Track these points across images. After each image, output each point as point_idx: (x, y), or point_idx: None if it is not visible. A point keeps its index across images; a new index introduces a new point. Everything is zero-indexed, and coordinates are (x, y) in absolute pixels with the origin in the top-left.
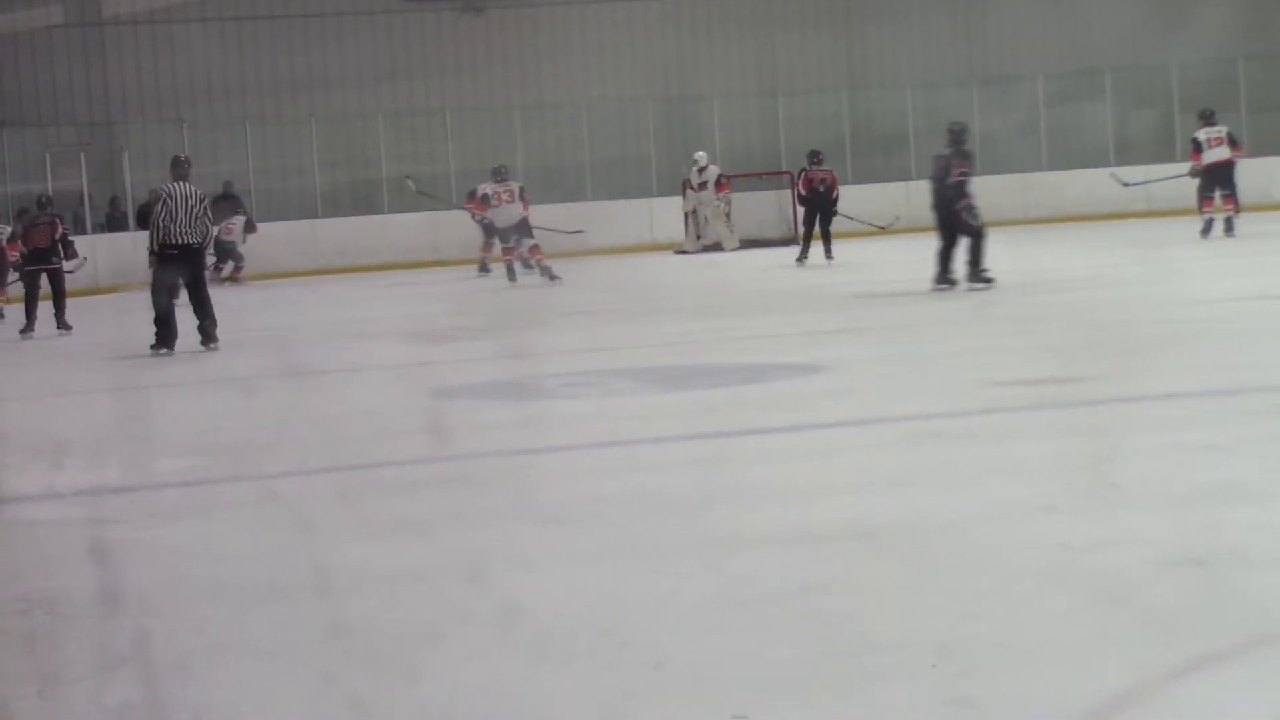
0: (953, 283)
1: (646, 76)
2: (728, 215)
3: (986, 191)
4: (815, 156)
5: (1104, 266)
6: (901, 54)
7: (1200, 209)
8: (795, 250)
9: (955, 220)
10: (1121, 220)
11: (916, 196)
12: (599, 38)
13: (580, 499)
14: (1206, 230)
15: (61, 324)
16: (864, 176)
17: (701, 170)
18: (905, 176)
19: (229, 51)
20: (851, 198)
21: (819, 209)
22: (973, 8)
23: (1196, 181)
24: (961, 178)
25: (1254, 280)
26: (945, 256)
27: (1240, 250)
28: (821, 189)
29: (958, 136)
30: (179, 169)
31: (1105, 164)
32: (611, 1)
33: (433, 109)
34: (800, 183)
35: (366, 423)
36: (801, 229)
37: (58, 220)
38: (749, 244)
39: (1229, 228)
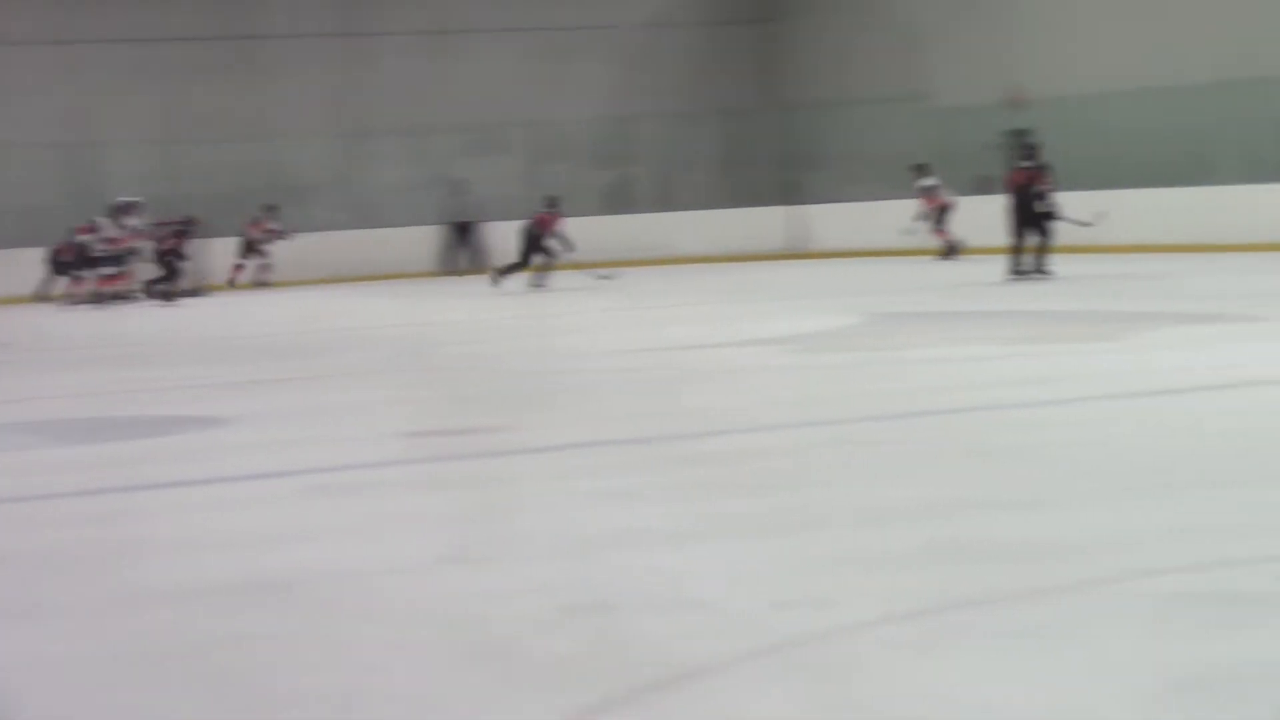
0: (1025, 273)
1: (45, 122)
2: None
3: (404, 242)
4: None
5: (519, 316)
6: (311, 105)
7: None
8: (198, 300)
9: (1034, 219)
10: (534, 272)
11: (338, 247)
12: None
13: None
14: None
15: None
16: None
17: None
18: (316, 227)
19: None
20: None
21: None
22: (383, 61)
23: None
24: (1045, 187)
25: (653, 332)
26: (1017, 250)
27: (638, 304)
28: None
29: (1032, 151)
30: None
31: (518, 216)
32: (10, 46)
33: None
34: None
35: None
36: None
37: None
38: (155, 294)
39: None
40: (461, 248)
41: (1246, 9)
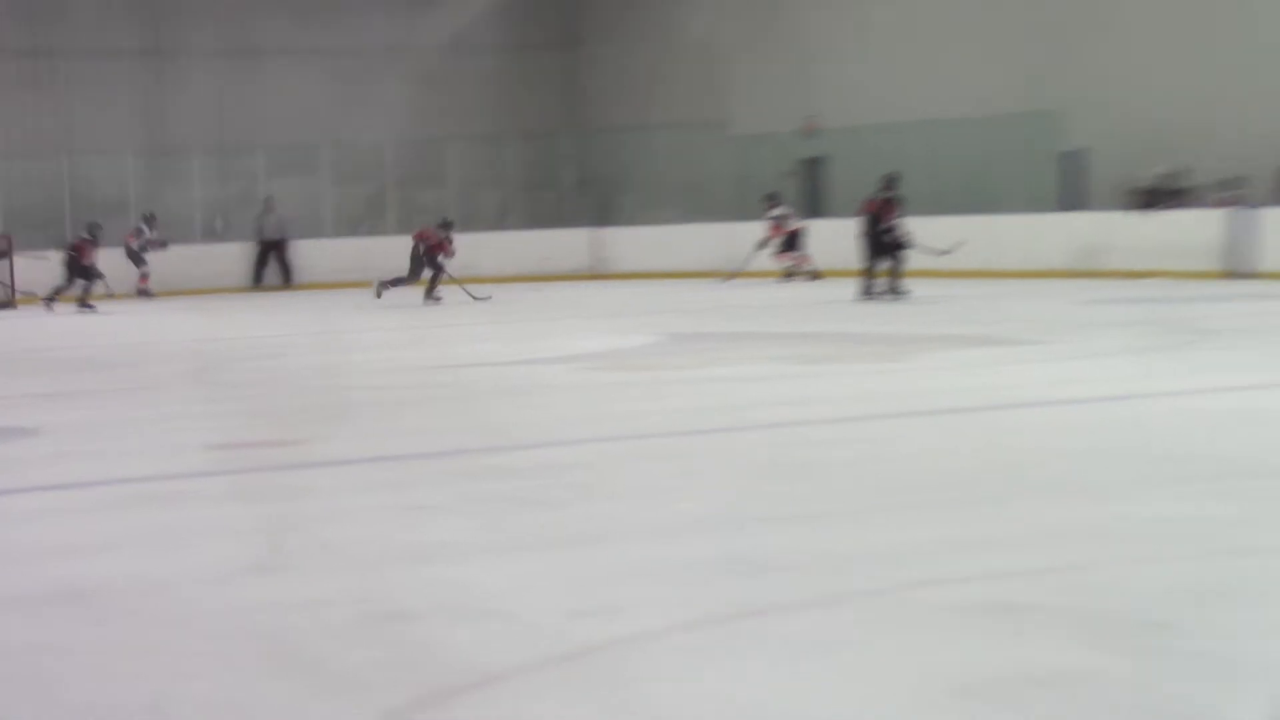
0: (876, 295)
1: None
2: None
3: (212, 259)
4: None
5: (325, 332)
6: (120, 122)
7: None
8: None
9: (884, 247)
10: (342, 289)
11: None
12: None
13: None
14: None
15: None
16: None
17: None
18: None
19: None
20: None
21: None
22: (188, 80)
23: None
24: (893, 217)
25: (456, 349)
26: (869, 274)
27: (442, 321)
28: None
29: (891, 183)
30: None
31: (323, 234)
32: None
33: None
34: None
35: None
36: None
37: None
38: (84, 304)
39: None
40: (270, 265)
41: (1028, 46)
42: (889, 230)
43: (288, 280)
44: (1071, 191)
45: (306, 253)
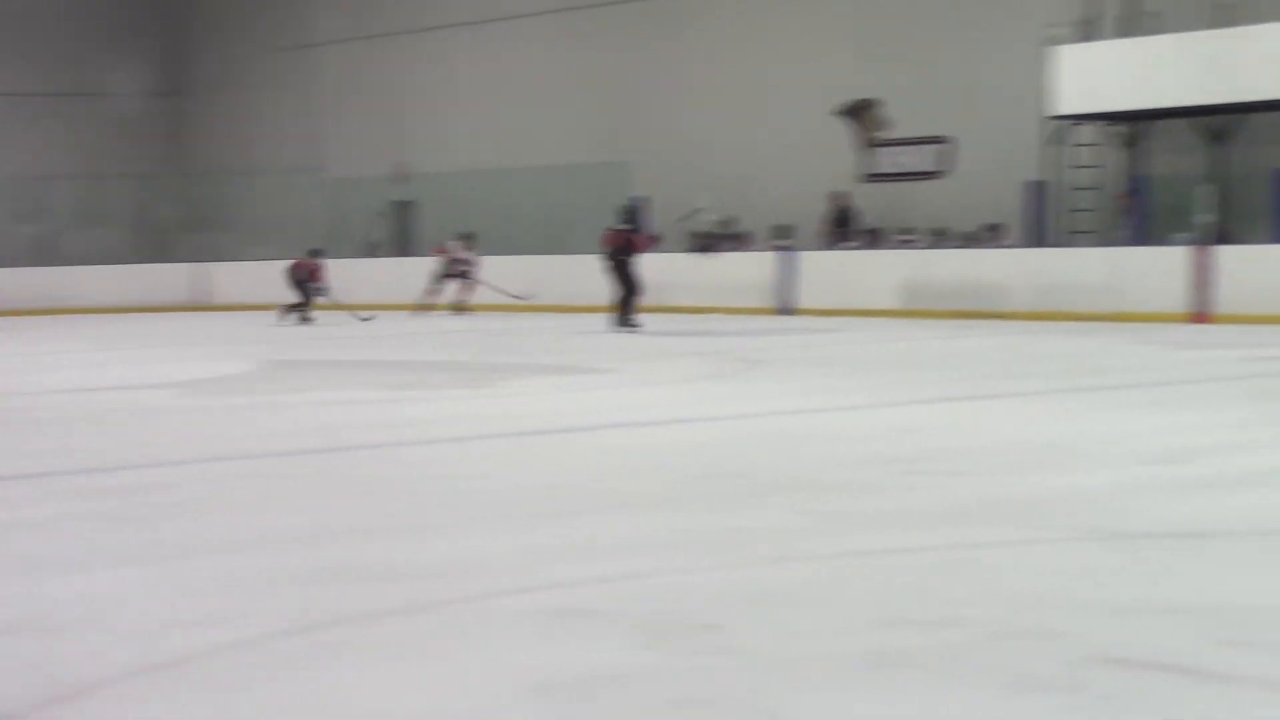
0: (629, 325)
1: None
2: None
3: None
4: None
5: None
6: None
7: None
8: None
9: (624, 278)
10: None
11: None
12: None
13: None
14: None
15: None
16: None
17: None
18: None
19: None
20: None
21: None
22: None
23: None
24: (638, 248)
25: (55, 375)
26: (624, 305)
27: (44, 349)
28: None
29: (632, 216)
30: None
31: None
32: None
33: None
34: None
35: None
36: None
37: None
38: None
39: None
40: None
41: (600, 103)
42: (626, 262)
43: None
44: None
45: None
